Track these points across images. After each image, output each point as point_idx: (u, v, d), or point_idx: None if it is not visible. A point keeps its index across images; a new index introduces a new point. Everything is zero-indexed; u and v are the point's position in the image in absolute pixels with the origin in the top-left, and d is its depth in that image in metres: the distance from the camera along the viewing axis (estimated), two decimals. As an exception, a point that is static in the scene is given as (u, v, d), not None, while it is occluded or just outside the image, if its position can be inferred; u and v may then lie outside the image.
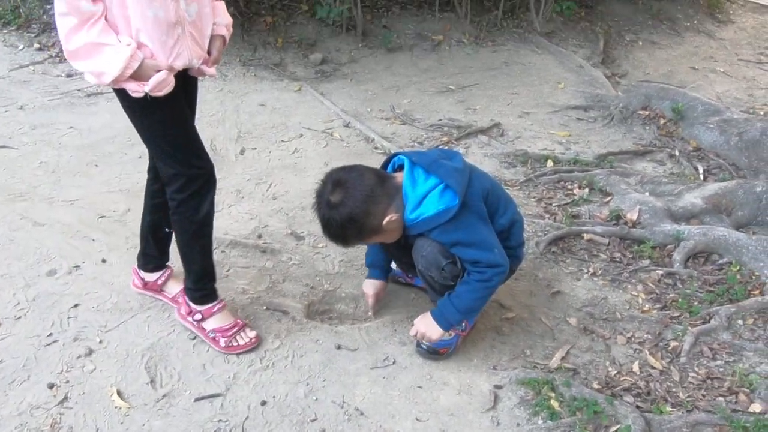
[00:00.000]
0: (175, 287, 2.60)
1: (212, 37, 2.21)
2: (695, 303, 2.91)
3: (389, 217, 2.24)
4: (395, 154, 2.40)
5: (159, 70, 2.01)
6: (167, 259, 2.63)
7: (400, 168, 2.35)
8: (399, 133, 4.06)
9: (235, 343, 2.46)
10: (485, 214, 2.31)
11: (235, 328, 2.47)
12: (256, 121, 4.01)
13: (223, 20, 2.25)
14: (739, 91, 5.29)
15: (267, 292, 2.77)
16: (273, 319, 2.63)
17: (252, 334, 2.49)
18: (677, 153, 4.12)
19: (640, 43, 5.95)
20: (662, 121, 4.40)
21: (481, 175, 2.43)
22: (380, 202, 2.23)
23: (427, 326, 2.39)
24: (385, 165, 2.42)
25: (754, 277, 3.07)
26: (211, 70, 2.24)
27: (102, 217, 3.08)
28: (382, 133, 4.01)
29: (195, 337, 2.50)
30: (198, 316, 2.48)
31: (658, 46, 5.94)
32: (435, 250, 2.34)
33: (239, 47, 4.71)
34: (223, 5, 2.28)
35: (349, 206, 2.19)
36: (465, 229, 2.26)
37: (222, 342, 2.45)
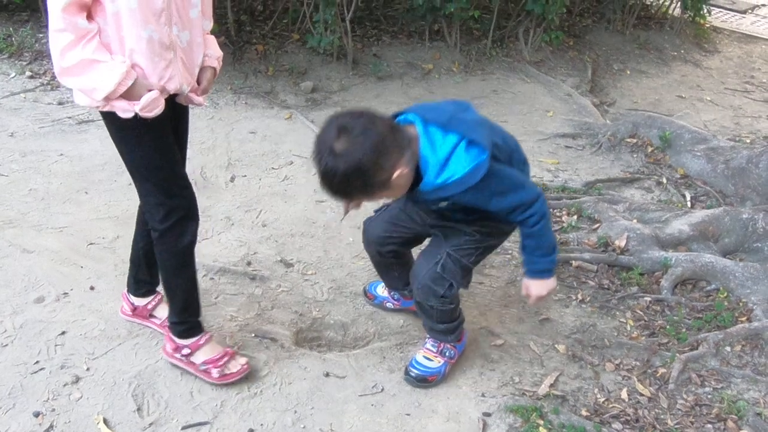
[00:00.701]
0: (164, 312, 2.59)
1: (203, 68, 2.23)
2: (683, 330, 2.92)
3: (399, 171, 2.00)
4: (400, 113, 2.18)
5: (150, 90, 2.03)
6: (158, 283, 2.62)
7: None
8: (389, 160, 4.08)
9: (228, 372, 2.43)
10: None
11: (226, 357, 2.45)
12: (246, 148, 4.02)
13: (215, 53, 2.27)
14: (726, 119, 5.34)
15: (256, 320, 2.77)
16: (261, 347, 2.63)
17: (242, 361, 2.48)
18: (665, 180, 4.15)
19: (628, 72, 6.01)
20: (650, 149, 4.44)
21: (497, 126, 2.31)
22: (391, 154, 1.97)
23: (540, 286, 2.31)
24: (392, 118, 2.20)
25: (741, 304, 3.08)
26: (200, 99, 2.25)
27: (91, 244, 3.08)
28: (372, 161, 4.03)
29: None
30: (186, 351, 2.44)
31: (646, 75, 6.00)
32: (428, 280, 2.35)
33: (230, 75, 4.74)
34: (214, 39, 2.30)
35: (356, 156, 1.91)
36: (494, 177, 2.09)
37: (215, 373, 2.42)
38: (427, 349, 2.55)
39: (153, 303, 2.64)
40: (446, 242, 2.37)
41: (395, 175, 1.99)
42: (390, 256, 2.63)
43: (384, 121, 2.00)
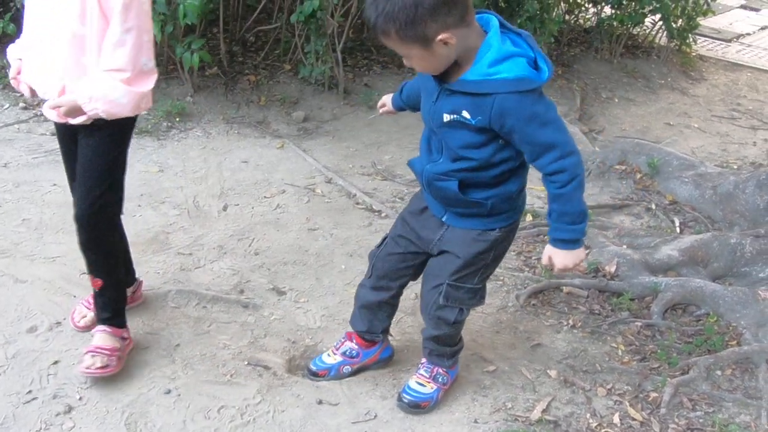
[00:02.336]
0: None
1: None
2: (674, 354, 2.94)
3: (447, 36, 1.89)
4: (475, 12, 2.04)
5: None
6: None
7: None
8: (380, 188, 4.12)
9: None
10: None
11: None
12: (238, 177, 4.05)
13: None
14: (713, 145, 5.41)
15: (248, 348, 2.77)
16: (254, 375, 2.63)
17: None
18: (654, 206, 4.20)
19: (616, 99, 6.09)
20: (638, 176, 4.49)
21: None
22: (451, 15, 1.88)
23: (564, 257, 2.14)
24: None
25: (731, 328, 3.11)
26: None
27: (84, 273, 3.07)
28: (363, 189, 4.06)
29: (169, 392, 2.49)
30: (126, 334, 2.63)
31: (634, 103, 6.08)
32: (435, 311, 2.37)
33: (223, 105, 4.79)
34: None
35: None
36: (542, 104, 1.99)
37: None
38: (420, 374, 2.56)
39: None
40: (445, 271, 2.32)
41: (441, 36, 1.89)
42: (396, 289, 2.54)
43: None
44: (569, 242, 2.13)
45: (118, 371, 2.52)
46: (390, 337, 2.79)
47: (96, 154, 2.37)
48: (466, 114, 2.02)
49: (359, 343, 2.65)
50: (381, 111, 2.65)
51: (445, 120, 2.08)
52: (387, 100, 2.60)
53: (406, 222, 2.45)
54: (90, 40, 2.17)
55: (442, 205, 2.30)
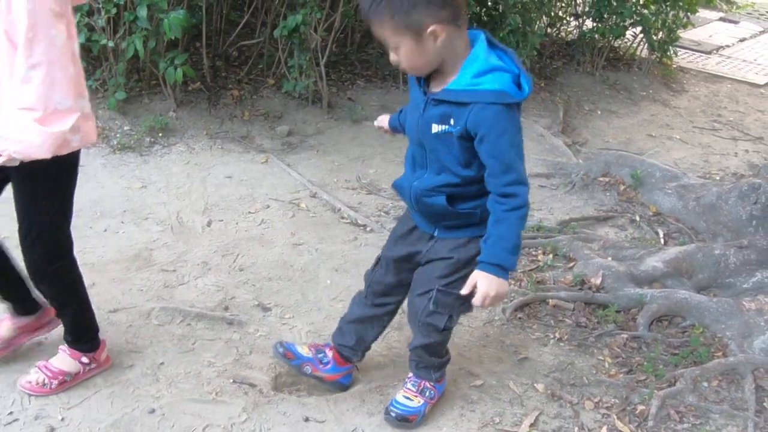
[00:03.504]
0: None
1: None
2: (660, 366, 2.94)
3: (438, 27, 1.95)
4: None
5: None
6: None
7: None
8: (365, 202, 4.11)
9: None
10: None
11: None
12: (222, 193, 4.03)
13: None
14: (695, 156, 5.45)
15: (234, 365, 2.74)
16: (240, 392, 2.61)
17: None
18: (638, 218, 4.21)
19: (599, 112, 6.13)
20: (622, 187, 4.51)
21: None
22: (446, 9, 1.96)
23: (492, 283, 2.10)
24: None
25: (716, 339, 3.12)
26: None
27: (66, 291, 3.04)
28: (348, 203, 4.05)
29: (153, 411, 2.46)
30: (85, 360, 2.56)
31: (616, 115, 6.12)
32: (426, 318, 2.36)
33: (206, 120, 4.77)
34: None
35: None
36: (514, 124, 2.04)
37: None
38: (408, 389, 2.55)
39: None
40: (435, 277, 2.32)
41: (433, 27, 1.95)
42: (394, 305, 2.56)
43: None
44: (503, 269, 2.11)
45: (53, 394, 2.49)
46: (375, 354, 2.77)
47: (28, 198, 2.26)
48: (452, 122, 2.06)
49: (335, 357, 2.63)
50: (376, 124, 2.63)
51: (433, 131, 2.11)
52: (384, 118, 2.58)
53: (396, 243, 2.46)
54: (1, 73, 2.01)
55: (431, 222, 2.30)
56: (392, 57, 2.08)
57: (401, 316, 2.90)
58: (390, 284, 2.50)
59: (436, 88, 2.09)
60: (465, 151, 2.11)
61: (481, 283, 2.11)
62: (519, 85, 2.05)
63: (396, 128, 2.53)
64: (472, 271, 2.27)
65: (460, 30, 2.02)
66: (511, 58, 2.08)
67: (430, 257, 2.35)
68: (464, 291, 2.15)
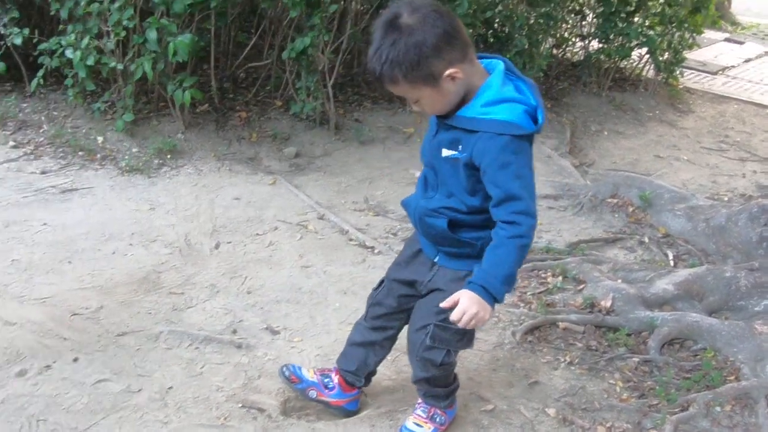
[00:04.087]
0: None
1: None
2: (672, 390, 2.92)
3: (454, 71, 1.93)
4: (485, 55, 2.10)
5: None
6: None
7: None
8: (373, 224, 4.10)
9: None
10: None
11: None
12: (230, 214, 4.02)
13: None
14: (703, 177, 5.44)
15: (242, 389, 2.73)
16: (249, 417, 2.59)
17: None
18: (647, 240, 4.19)
19: (606, 132, 6.12)
20: (631, 209, 4.49)
21: None
22: (454, 49, 1.93)
23: (475, 304, 2.00)
24: None
25: (728, 363, 3.09)
26: None
27: (74, 314, 3.04)
28: (356, 225, 4.04)
29: (169, 438, 2.45)
30: None
31: (623, 136, 6.11)
32: (423, 353, 2.33)
33: (214, 142, 4.78)
34: None
35: (421, 33, 1.88)
36: (522, 156, 1.99)
37: None
38: (418, 415, 2.52)
39: None
40: (433, 312, 2.27)
41: (448, 72, 1.92)
42: (393, 331, 2.53)
43: (462, 24, 1.97)
44: (489, 295, 2.02)
45: None
46: (384, 378, 2.75)
47: None
48: (460, 148, 2.05)
49: (340, 382, 2.61)
50: None
51: (443, 155, 2.11)
52: None
53: (400, 266, 2.45)
54: None
55: (434, 245, 2.29)
56: (414, 108, 2.08)
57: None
58: (390, 307, 2.47)
59: (450, 113, 2.08)
60: (470, 179, 2.09)
61: (463, 299, 2.02)
62: (535, 119, 2.03)
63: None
64: None
65: (472, 62, 2.01)
66: (530, 90, 2.07)
67: (430, 287, 2.33)
68: (443, 304, 2.06)
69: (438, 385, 2.46)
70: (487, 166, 2.00)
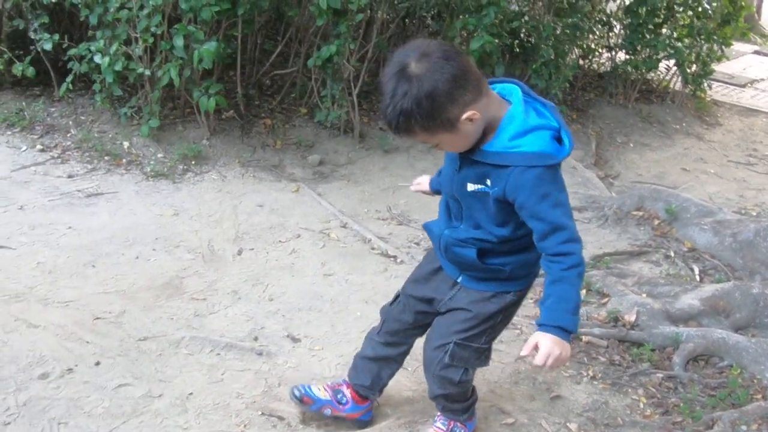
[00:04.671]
0: None
1: None
2: (697, 408, 2.87)
3: (471, 113, 1.87)
4: (497, 80, 2.06)
5: None
6: None
7: None
8: (396, 233, 4.09)
9: None
10: None
11: None
12: (253, 221, 4.04)
13: None
14: (730, 191, 5.37)
15: (262, 397, 2.72)
16: (268, 425, 2.58)
17: None
18: (672, 254, 4.14)
19: (632, 144, 6.07)
20: (656, 222, 4.44)
21: None
22: (467, 92, 1.87)
23: (555, 345, 1.95)
24: None
25: (755, 381, 3.04)
26: None
27: (97, 318, 3.06)
28: (378, 234, 4.04)
29: (188, 445, 2.45)
30: None
31: (650, 148, 6.06)
32: (440, 371, 2.31)
33: (238, 149, 4.80)
34: None
35: (431, 81, 1.82)
36: (557, 184, 1.95)
37: None
38: (438, 427, 2.50)
39: None
40: (453, 331, 2.26)
41: (466, 115, 1.87)
42: (407, 347, 2.52)
43: (470, 60, 1.92)
44: (566, 331, 1.98)
45: None
46: (404, 388, 2.73)
47: None
48: (489, 182, 2.00)
49: (352, 396, 2.59)
50: (413, 188, 2.55)
51: (469, 189, 2.06)
52: (424, 180, 2.50)
53: (418, 282, 2.42)
54: None
55: (458, 269, 2.27)
56: (435, 149, 2.02)
57: (432, 351, 2.86)
58: (406, 323, 2.44)
59: (473, 147, 2.00)
60: (500, 212, 2.05)
61: (544, 343, 1.96)
62: (559, 140, 1.99)
63: (437, 191, 2.44)
64: (491, 326, 2.26)
65: (488, 96, 1.95)
66: (551, 111, 2.02)
67: (450, 306, 2.30)
68: (523, 352, 2.00)
69: (456, 400, 2.44)
70: (525, 201, 1.95)
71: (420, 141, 2.00)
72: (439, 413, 2.52)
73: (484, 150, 1.98)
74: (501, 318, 2.29)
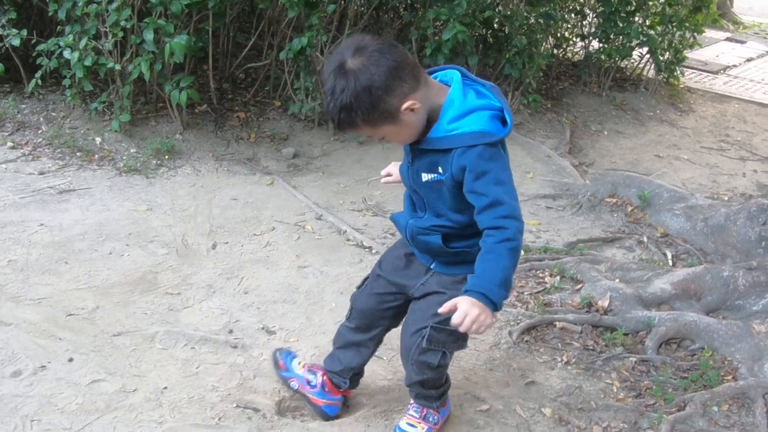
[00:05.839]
0: None
1: None
2: (670, 390, 2.90)
3: (410, 103, 1.91)
4: (437, 69, 2.08)
5: None
6: None
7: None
8: (371, 224, 4.10)
9: None
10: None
11: None
12: (228, 215, 4.02)
13: None
14: (703, 177, 5.42)
15: (238, 389, 2.72)
16: (243, 417, 2.58)
17: None
18: (645, 239, 4.18)
19: (606, 132, 6.11)
20: (629, 208, 4.48)
21: None
22: (405, 82, 1.90)
23: (476, 309, 1.92)
24: None
25: (726, 362, 3.08)
26: None
27: (70, 315, 3.04)
28: (354, 225, 4.04)
29: (162, 438, 2.44)
30: None
31: (623, 135, 6.10)
32: (419, 356, 2.31)
33: (212, 143, 4.77)
34: None
35: (368, 74, 1.86)
36: (498, 162, 1.97)
37: None
38: (411, 415, 2.51)
39: None
40: (429, 315, 2.25)
41: (405, 105, 1.91)
42: (377, 331, 2.53)
43: (406, 51, 1.95)
44: (489, 300, 1.95)
45: None
46: (380, 377, 2.74)
47: None
48: (440, 169, 2.03)
49: (326, 383, 2.60)
50: (384, 181, 2.53)
51: (424, 180, 2.09)
52: (393, 169, 2.46)
53: (389, 264, 2.44)
54: None
55: (429, 256, 2.29)
56: (381, 142, 2.03)
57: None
58: (372, 303, 2.45)
59: (421, 137, 2.04)
60: (455, 197, 2.07)
61: (463, 303, 1.94)
62: (504, 120, 2.01)
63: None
64: None
65: (427, 84, 1.98)
66: (492, 92, 2.03)
67: (424, 291, 2.31)
68: (441, 310, 1.99)
69: (431, 387, 2.45)
70: (466, 179, 1.98)
71: (366, 135, 2.03)
72: (412, 401, 2.53)
73: (429, 137, 2.00)
74: None
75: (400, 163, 2.42)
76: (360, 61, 1.87)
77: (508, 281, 1.99)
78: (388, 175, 2.49)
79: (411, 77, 1.92)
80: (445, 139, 1.98)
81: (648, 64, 6.96)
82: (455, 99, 1.97)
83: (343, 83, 1.87)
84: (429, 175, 2.06)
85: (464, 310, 1.93)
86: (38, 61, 4.51)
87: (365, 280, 2.53)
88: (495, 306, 1.97)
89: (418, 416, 2.50)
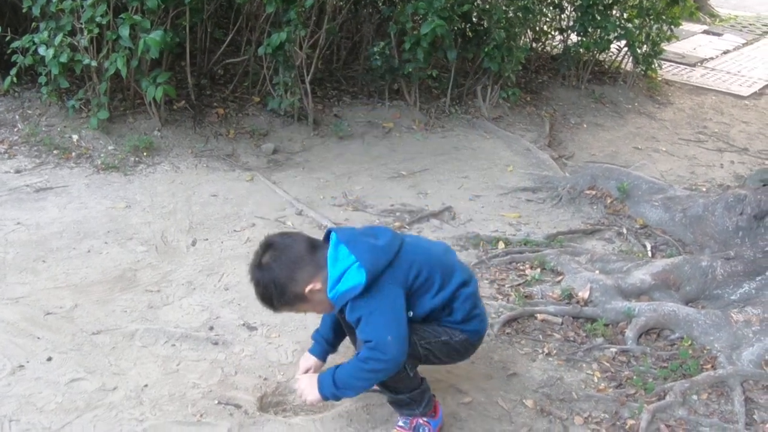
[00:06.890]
0: None
1: None
2: (650, 380, 2.93)
3: (312, 286, 2.25)
4: (331, 229, 2.37)
5: None
6: None
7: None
8: (352, 219, 4.09)
9: None
10: (400, 298, 2.26)
11: None
12: (208, 211, 4.00)
13: None
14: (681, 168, 5.46)
15: (219, 386, 2.71)
16: (225, 413, 2.57)
17: None
18: (625, 231, 4.20)
19: (585, 125, 6.14)
20: (609, 200, 4.50)
21: (419, 251, 2.36)
22: (305, 270, 2.25)
23: (309, 385, 2.34)
24: (325, 238, 2.36)
25: (705, 351, 3.10)
26: None
27: (48, 314, 3.01)
28: (335, 220, 4.03)
29: (143, 436, 2.42)
30: None
31: (602, 128, 6.13)
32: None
33: (191, 139, 4.74)
34: None
35: (274, 269, 2.24)
36: (367, 307, 2.23)
37: None
38: (400, 427, 2.49)
39: None
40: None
41: (308, 289, 2.24)
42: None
43: (307, 241, 2.31)
44: (327, 389, 2.28)
45: None
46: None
47: None
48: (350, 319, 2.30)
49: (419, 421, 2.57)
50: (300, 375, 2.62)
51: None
52: (303, 364, 2.63)
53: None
54: None
55: None
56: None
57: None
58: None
59: None
60: None
61: (305, 383, 2.36)
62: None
63: (325, 353, 2.66)
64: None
65: (325, 265, 2.25)
66: (353, 249, 2.23)
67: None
68: (294, 385, 2.43)
69: (399, 392, 2.41)
70: (353, 323, 2.27)
71: (291, 312, 2.41)
72: (397, 416, 2.52)
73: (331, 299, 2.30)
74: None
75: (311, 344, 2.67)
76: (269, 256, 2.25)
77: (349, 388, 2.29)
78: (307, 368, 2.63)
79: (311, 264, 2.26)
80: (335, 301, 2.27)
81: (626, 57, 7.01)
82: (330, 270, 2.25)
83: (258, 276, 2.27)
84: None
85: (302, 389, 2.36)
86: (13, 58, 4.46)
87: None
88: (324, 395, 2.30)
89: (407, 428, 2.47)
